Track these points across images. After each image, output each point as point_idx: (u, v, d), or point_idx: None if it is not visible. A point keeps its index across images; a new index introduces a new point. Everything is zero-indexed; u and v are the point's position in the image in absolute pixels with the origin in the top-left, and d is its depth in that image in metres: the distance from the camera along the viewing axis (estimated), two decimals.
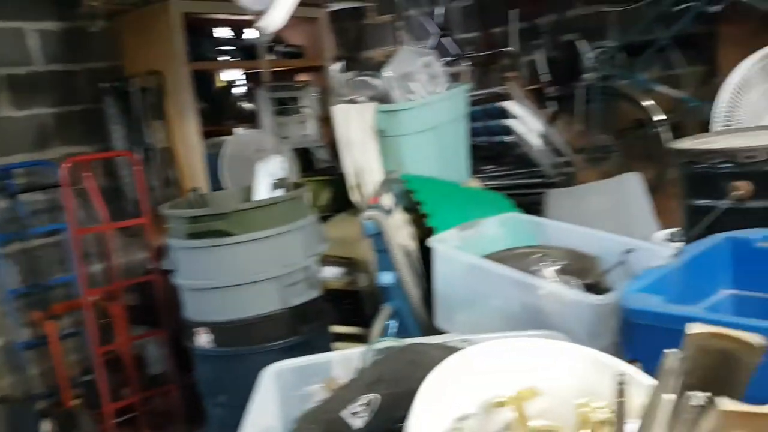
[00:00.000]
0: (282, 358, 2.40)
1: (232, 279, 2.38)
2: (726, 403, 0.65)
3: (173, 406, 3.54)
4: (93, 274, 3.93)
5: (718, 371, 0.69)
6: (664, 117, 3.63)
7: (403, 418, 0.84)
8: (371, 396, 1.03)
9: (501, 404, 0.90)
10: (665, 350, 0.70)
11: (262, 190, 2.73)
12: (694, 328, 0.71)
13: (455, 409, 0.89)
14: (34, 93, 3.72)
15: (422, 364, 1.04)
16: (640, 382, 0.87)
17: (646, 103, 3.68)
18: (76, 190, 3.34)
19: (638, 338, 1.03)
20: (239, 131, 4.05)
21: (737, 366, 0.69)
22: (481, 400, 0.91)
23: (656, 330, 0.97)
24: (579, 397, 0.91)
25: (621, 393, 0.78)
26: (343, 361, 1.41)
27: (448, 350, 1.10)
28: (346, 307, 2.94)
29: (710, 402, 0.65)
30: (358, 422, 1.00)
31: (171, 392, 3.55)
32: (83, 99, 3.89)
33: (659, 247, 1.95)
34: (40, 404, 3.65)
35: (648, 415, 0.70)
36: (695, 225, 1.77)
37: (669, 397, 0.70)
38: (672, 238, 2.86)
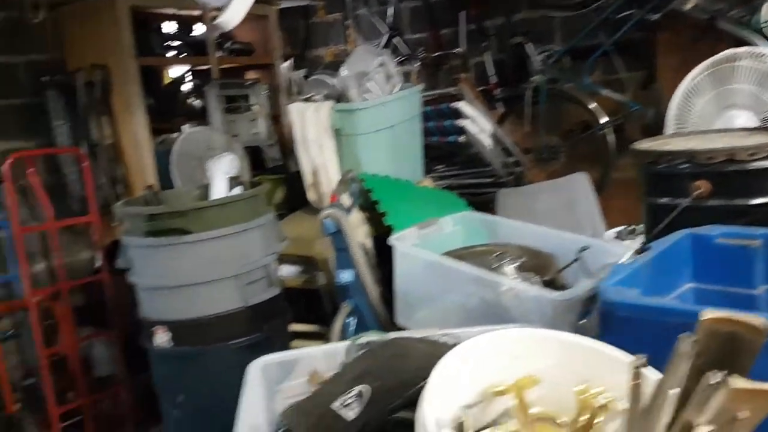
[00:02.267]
0: (242, 357, 2.37)
1: (191, 277, 2.35)
2: (737, 382, 0.71)
3: (123, 408, 3.45)
4: (36, 273, 3.78)
5: (725, 353, 0.76)
6: (608, 119, 3.79)
7: (395, 408, 0.87)
8: (361, 387, 1.06)
9: (501, 393, 0.95)
10: (679, 335, 0.76)
11: (219, 188, 2.71)
12: (706, 314, 0.78)
13: (460, 399, 0.93)
14: None
15: (409, 356, 1.07)
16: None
17: (591, 105, 3.84)
18: (18, 186, 3.21)
19: (617, 328, 1.10)
20: (188, 128, 3.99)
21: (743, 348, 0.76)
22: (481, 389, 0.95)
23: (634, 321, 1.04)
24: (576, 384, 0.96)
25: (636, 376, 0.83)
26: (326, 355, 1.43)
27: (432, 344, 1.14)
28: (304, 306, 2.94)
29: (724, 381, 0.71)
30: (350, 413, 1.03)
31: (120, 394, 3.46)
32: (24, 92, 3.73)
33: (611, 245, 2.05)
34: None
35: (659, 396, 0.76)
36: (657, 223, 1.88)
37: (682, 379, 0.76)
38: (621, 236, 3.01)
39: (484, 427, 0.94)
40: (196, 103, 4.41)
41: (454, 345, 1.25)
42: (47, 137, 3.72)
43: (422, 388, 0.97)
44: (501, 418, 0.97)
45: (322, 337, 2.80)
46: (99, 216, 3.42)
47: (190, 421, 2.43)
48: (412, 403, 1.05)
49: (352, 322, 2.63)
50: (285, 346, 2.55)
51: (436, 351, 1.16)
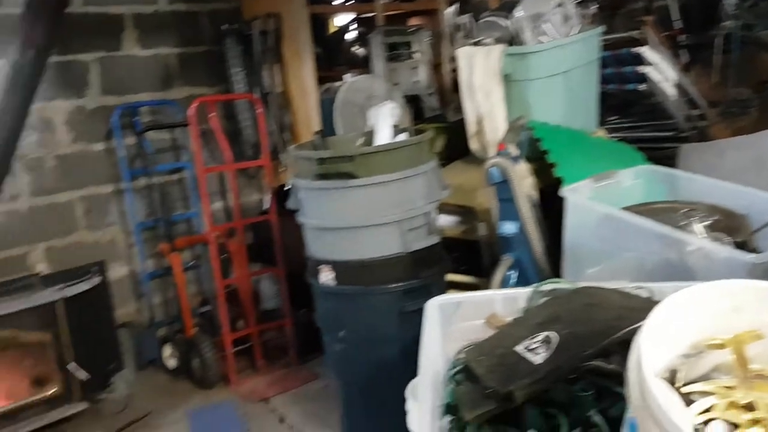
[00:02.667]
0: (399, 300, 2.44)
1: (356, 220, 2.40)
2: None
3: (286, 340, 3.68)
4: (213, 212, 4.10)
5: None
6: None
7: (588, 357, 0.81)
8: (548, 333, 1.01)
9: (718, 346, 0.86)
10: None
11: (383, 134, 2.71)
12: None
13: (673, 348, 0.85)
14: (158, 33, 3.85)
15: (602, 306, 1.00)
16: None
17: None
18: (200, 130, 3.45)
19: None
20: (351, 77, 4.04)
21: None
22: (695, 341, 0.86)
23: None
24: None
25: None
26: (505, 299, 1.38)
27: (626, 296, 1.05)
28: (461, 256, 2.91)
29: None
30: (537, 358, 0.98)
31: (284, 326, 3.68)
32: (205, 40, 3.98)
33: None
34: (162, 331, 3.91)
35: None
36: None
37: None
38: None
39: (696, 380, 0.85)
40: (359, 51, 4.47)
41: (649, 298, 1.15)
42: (226, 84, 3.96)
43: (619, 338, 0.89)
44: (714, 373, 0.87)
45: (478, 288, 2.75)
46: (269, 160, 3.60)
47: (350, 354, 2.52)
48: (606, 352, 0.97)
49: (513, 275, 2.55)
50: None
51: (631, 303, 1.07)
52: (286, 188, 3.92)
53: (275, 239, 3.60)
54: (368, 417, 2.55)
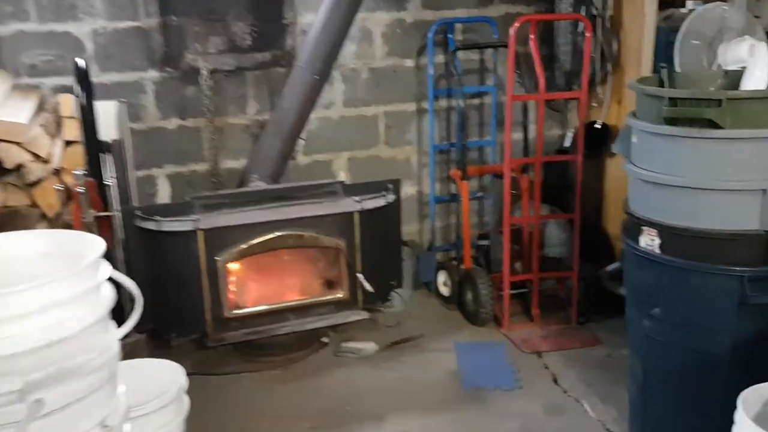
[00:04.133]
0: (743, 288, 1.94)
1: (706, 181, 1.94)
2: None
3: (568, 295, 3.38)
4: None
5: None
6: None
7: None
8: None
9: None
10: None
11: (759, 77, 2.14)
12: None
13: None
14: None
15: None
16: None
17: None
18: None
19: None
20: (697, 4, 3.37)
21: None
22: None
23: None
24: None
25: None
26: None
27: None
28: None
29: None
30: None
31: (567, 279, 3.38)
32: None
33: None
34: (439, 256, 3.88)
35: None
36: None
37: None
38: None
39: None
40: None
41: None
42: (545, 4, 3.60)
43: None
44: None
45: None
46: (587, 93, 3.19)
47: (662, 336, 2.12)
48: None
49: None
50: None
51: None
52: (596, 126, 3.51)
53: (575, 182, 3.25)
54: (674, 411, 2.16)
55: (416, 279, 3.73)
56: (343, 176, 3.64)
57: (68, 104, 2.77)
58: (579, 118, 3.21)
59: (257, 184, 3.14)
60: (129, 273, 2.94)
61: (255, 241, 2.81)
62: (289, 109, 3.14)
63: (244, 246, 2.80)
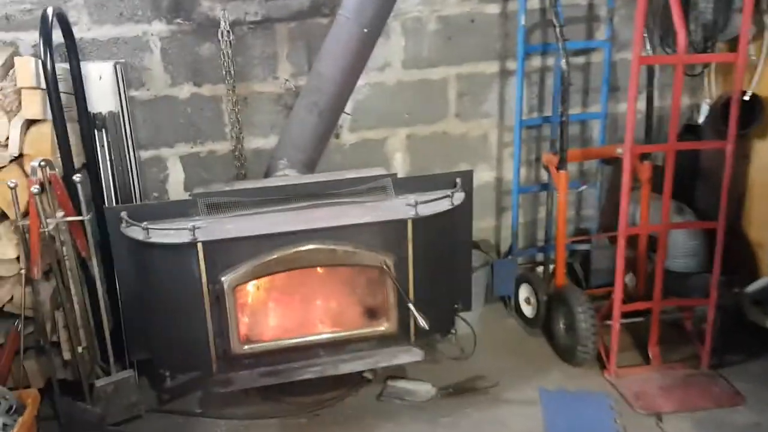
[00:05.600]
0: None
1: None
2: None
3: (698, 326, 2.51)
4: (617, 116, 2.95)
5: None
6: None
7: None
8: None
9: None
10: None
11: None
12: None
13: None
14: None
15: None
16: None
17: None
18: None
19: None
20: None
21: None
22: None
23: None
24: None
25: None
26: None
27: None
28: None
29: None
30: None
31: (699, 305, 2.49)
32: None
33: None
34: (522, 264, 3.03)
35: None
36: None
37: None
38: None
39: None
40: None
41: None
42: None
43: None
44: None
45: None
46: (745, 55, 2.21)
47: None
48: None
49: None
50: None
51: None
52: (744, 98, 2.54)
53: (708, 169, 2.32)
54: None
55: (489, 291, 2.92)
56: (399, 159, 2.85)
57: (27, 70, 2.08)
58: (734, 88, 2.24)
59: (285, 174, 2.40)
60: (113, 290, 2.28)
61: (273, 257, 2.07)
62: (329, 74, 2.36)
63: (258, 263, 2.07)
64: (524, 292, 2.84)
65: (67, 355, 2.24)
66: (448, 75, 2.82)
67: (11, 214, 2.06)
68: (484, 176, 3.00)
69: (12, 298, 2.17)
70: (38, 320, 2.16)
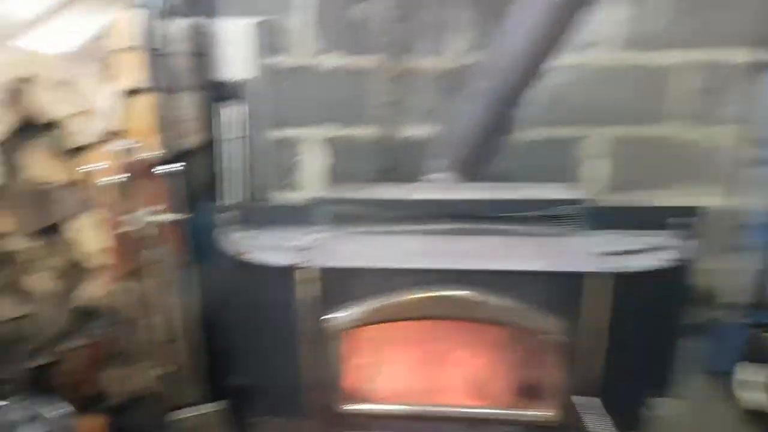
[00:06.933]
0: None
1: None
2: None
3: None
4: None
5: None
6: None
7: None
8: None
9: None
10: None
11: None
12: None
13: None
14: None
15: None
16: None
17: None
18: None
19: None
20: None
21: None
22: None
23: None
24: None
25: None
26: None
27: None
28: None
29: None
30: None
31: None
32: None
33: None
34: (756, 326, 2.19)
35: None
36: None
37: None
38: None
39: None
40: None
41: None
42: None
43: None
44: None
45: None
46: None
47: None
48: None
49: None
50: None
51: None
52: None
53: None
54: None
55: (700, 362, 2.13)
56: (593, 169, 2.14)
57: (128, 27, 1.68)
58: None
59: (436, 178, 1.83)
60: (202, 305, 1.88)
61: (404, 299, 1.52)
62: (512, 50, 1.73)
63: (376, 305, 1.53)
64: (753, 373, 2.01)
65: (152, 372, 1.88)
66: (679, 61, 2.04)
67: (98, 203, 1.70)
68: (711, 201, 2.19)
69: (102, 298, 1.84)
70: (126, 326, 1.81)
